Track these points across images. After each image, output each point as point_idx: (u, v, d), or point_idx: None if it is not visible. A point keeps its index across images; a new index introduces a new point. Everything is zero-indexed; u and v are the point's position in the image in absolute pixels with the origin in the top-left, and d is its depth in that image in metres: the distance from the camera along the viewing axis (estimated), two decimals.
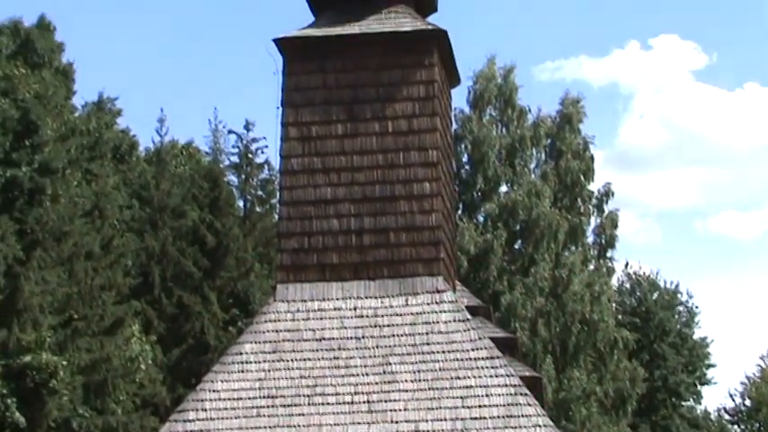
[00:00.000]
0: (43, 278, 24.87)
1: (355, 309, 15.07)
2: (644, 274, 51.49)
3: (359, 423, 13.95)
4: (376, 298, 15.13)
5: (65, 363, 24.00)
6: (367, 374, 14.40)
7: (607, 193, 42.19)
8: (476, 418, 13.84)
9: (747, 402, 49.41)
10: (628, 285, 51.41)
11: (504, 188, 41.75)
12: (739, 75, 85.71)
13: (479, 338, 14.69)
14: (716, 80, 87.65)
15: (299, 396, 14.29)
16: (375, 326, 14.86)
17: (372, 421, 13.95)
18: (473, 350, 14.48)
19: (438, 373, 14.33)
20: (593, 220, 42.03)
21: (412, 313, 14.93)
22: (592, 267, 40.99)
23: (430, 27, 16.17)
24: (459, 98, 43.66)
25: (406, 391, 14.19)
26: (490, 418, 13.83)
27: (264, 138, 36.09)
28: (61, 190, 26.52)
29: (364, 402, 14.13)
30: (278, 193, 18.94)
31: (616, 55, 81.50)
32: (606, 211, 42.13)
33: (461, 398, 14.02)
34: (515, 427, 13.70)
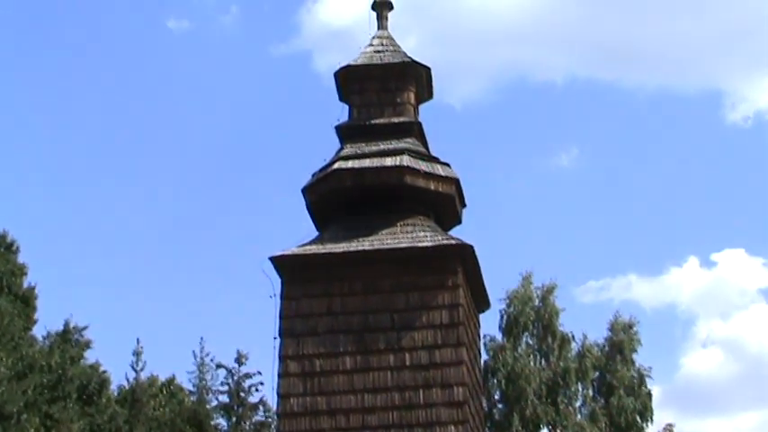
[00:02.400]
0: None
1: None
2: None
3: None
4: None
5: None
6: None
7: None
8: None
9: None
10: None
11: (545, 431, 41.05)
12: None
13: None
14: None
15: None
16: None
17: None
18: None
19: None
20: None
21: None
22: None
23: (453, 242, 16.35)
24: (490, 324, 43.54)
25: None
26: None
27: (259, 373, 35.85)
28: None
29: None
30: None
31: (672, 273, 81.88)
32: None
33: None
34: None
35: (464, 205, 17.88)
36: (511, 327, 42.68)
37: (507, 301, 42.65)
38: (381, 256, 16.14)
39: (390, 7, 18.81)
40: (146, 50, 47.94)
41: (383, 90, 17.88)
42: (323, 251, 16.30)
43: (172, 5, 48.45)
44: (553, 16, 45.57)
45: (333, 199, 17.14)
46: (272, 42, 49.21)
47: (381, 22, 18.69)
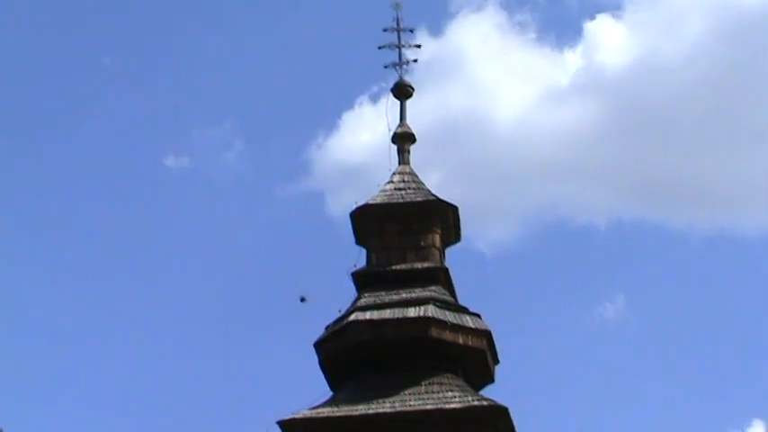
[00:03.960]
0: None
1: None
2: None
3: None
4: None
5: None
6: None
7: None
8: None
9: None
10: None
11: None
12: None
13: None
14: None
15: None
16: None
17: None
18: None
19: None
20: None
21: None
22: None
23: (485, 403, 16.08)
24: None
25: None
26: None
27: None
28: None
29: None
30: None
31: None
32: None
33: None
34: None
35: (497, 361, 17.62)
36: None
37: None
38: (404, 419, 15.87)
39: (412, 140, 18.88)
40: (141, 190, 48.11)
41: (405, 232, 17.82)
42: (338, 414, 16.03)
43: (169, 141, 48.76)
44: (594, 151, 45.51)
45: (349, 355, 16.92)
46: (279, 182, 49.14)
47: (402, 156, 18.74)
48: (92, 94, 47.40)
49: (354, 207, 18.00)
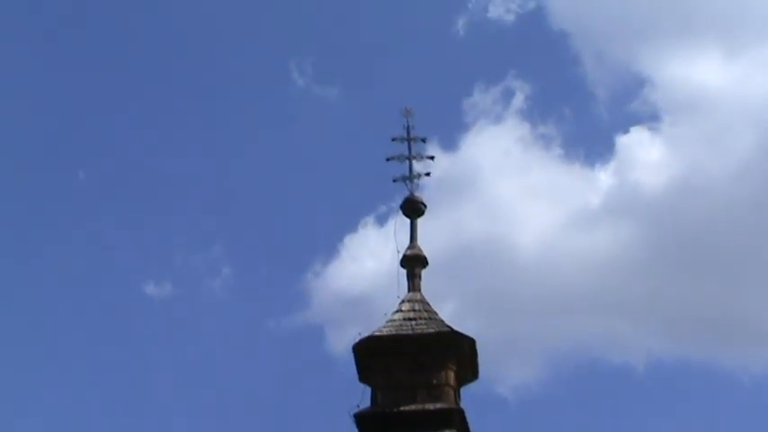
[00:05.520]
0: None
1: None
2: None
3: None
4: None
5: None
6: None
7: None
8: None
9: None
10: None
11: None
12: None
13: None
14: None
15: None
16: None
17: None
18: None
19: None
20: None
21: None
22: None
23: None
24: None
25: None
26: None
27: None
28: None
29: None
30: None
31: None
32: None
33: None
34: None
35: None
36: None
37: None
38: None
39: (424, 264, 18.68)
40: (117, 321, 47.61)
41: (415, 368, 17.55)
42: None
43: (149, 266, 48.22)
44: (629, 282, 44.76)
45: None
46: (272, 314, 48.55)
47: (413, 282, 18.52)
48: (62, 212, 47.39)
49: (357, 339, 17.72)
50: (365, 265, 43.03)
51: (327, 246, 45.90)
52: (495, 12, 47.54)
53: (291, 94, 47.61)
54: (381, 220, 39.97)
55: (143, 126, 46.80)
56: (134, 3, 47.36)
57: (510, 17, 47.59)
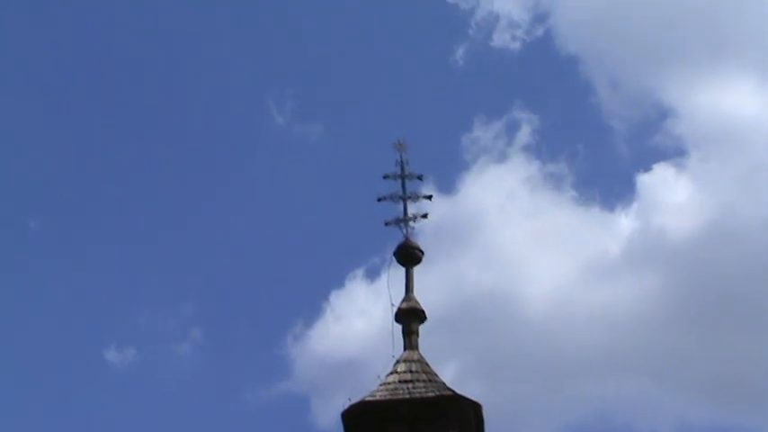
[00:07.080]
0: None
1: None
2: None
3: None
4: None
5: None
6: None
7: None
8: None
9: None
10: None
11: None
12: None
13: None
14: None
15: None
16: None
17: None
18: None
19: None
20: None
21: None
22: None
23: None
24: None
25: None
26: None
27: None
28: None
29: None
30: None
31: None
32: None
33: None
34: None
35: None
36: None
37: None
38: None
39: (421, 318, 18.53)
40: (75, 391, 47.15)
41: None
42: None
43: (110, 329, 47.60)
44: (654, 339, 44.22)
45: None
46: (248, 382, 48.00)
47: (409, 339, 18.39)
48: (12, 266, 46.95)
49: (347, 405, 17.46)
50: (353, 325, 42.54)
51: (311, 304, 45.44)
52: (499, 40, 47.20)
53: (270, 132, 47.37)
54: (371, 274, 39.56)
55: (106, 168, 46.57)
56: (105, 43, 47.20)
57: (516, 45, 47.26)
